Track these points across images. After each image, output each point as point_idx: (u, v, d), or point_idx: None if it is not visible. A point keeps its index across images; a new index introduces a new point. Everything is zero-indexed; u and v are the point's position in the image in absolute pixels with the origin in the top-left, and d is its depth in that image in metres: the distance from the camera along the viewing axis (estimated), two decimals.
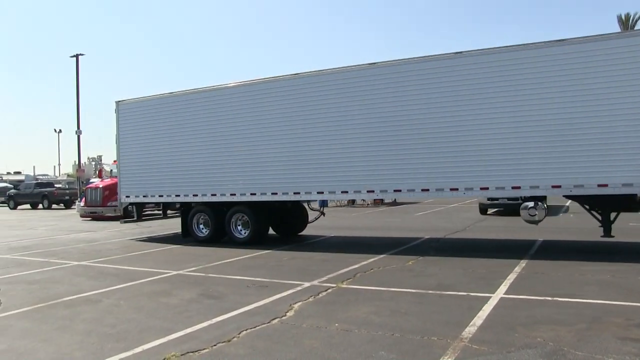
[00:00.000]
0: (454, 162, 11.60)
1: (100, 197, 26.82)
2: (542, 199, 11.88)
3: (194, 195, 15.01)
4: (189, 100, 15.12)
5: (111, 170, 29.68)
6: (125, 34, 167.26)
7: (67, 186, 47.45)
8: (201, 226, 15.29)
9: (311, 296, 7.88)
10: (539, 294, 7.56)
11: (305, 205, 16.24)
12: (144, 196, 16.25)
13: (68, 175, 67.47)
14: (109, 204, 26.24)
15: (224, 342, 5.78)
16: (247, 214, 14.37)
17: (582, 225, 12.15)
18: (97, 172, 33.40)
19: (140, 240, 16.02)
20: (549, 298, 7.33)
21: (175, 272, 10.37)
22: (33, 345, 6.01)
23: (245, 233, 14.44)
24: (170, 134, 15.41)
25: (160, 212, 18.97)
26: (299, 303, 7.46)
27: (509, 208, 20.46)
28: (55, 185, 43.63)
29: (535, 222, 11.86)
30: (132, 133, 16.35)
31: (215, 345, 5.68)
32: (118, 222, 23.05)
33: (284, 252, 12.65)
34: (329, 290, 8.27)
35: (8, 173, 57.13)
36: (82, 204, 28.58)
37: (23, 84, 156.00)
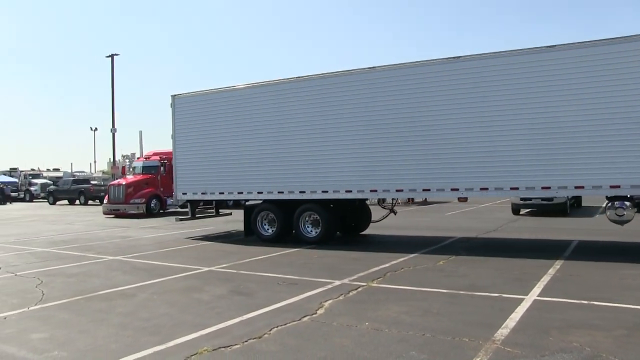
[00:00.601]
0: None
1: (123, 194, 26.56)
2: (627, 198, 11.22)
3: (258, 193, 14.56)
4: (253, 94, 14.67)
5: (134, 167, 29.75)
6: (156, 34, 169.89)
7: (102, 183, 48.42)
8: (266, 225, 14.82)
9: (341, 294, 7.89)
10: (574, 297, 7.41)
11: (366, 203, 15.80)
12: (202, 193, 15.80)
13: (103, 172, 68.82)
14: (131, 201, 26.24)
15: (255, 338, 5.84)
16: (317, 213, 13.89)
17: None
18: (121, 169, 33.25)
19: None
20: (585, 302, 7.17)
21: (207, 269, 10.50)
22: (72, 335, 6.19)
23: (315, 232, 13.97)
24: (232, 128, 14.96)
25: (213, 210, 18.47)
26: (330, 301, 7.48)
27: (542, 208, 20.17)
28: (91, 182, 44.52)
29: (623, 223, 11.32)
30: (189, 128, 15.97)
31: (246, 341, 5.74)
32: (154, 220, 23.41)
33: (313, 250, 12.68)
34: (359, 289, 8.27)
35: (47, 170, 58.42)
36: (105, 201, 28.60)
37: (61, 85, 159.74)
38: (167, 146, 27.66)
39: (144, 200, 26.36)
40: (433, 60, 12.19)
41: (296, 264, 10.90)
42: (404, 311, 6.88)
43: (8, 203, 45.57)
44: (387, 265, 10.35)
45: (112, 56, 47.34)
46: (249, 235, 15.00)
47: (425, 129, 12.17)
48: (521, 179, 11.29)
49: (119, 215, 26.22)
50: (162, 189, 27.09)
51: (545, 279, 8.69)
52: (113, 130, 46.97)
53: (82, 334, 6.26)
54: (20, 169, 56.22)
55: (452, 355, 5.22)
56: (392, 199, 14.99)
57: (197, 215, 17.29)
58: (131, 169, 30.19)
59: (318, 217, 13.90)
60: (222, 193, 15.33)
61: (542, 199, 18.75)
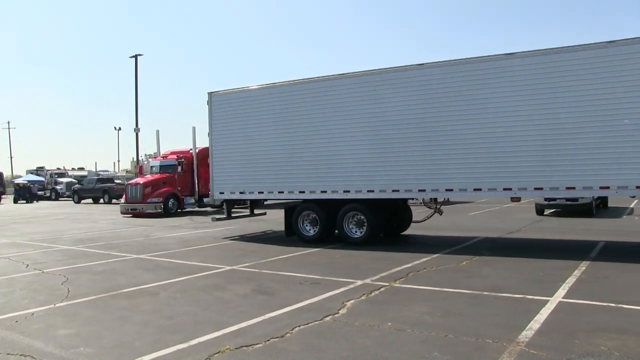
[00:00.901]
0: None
1: (140, 193, 26.21)
2: None
3: (300, 192, 14.23)
4: (295, 90, 14.30)
5: (151, 166, 29.32)
6: (178, 34, 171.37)
7: (125, 182, 49.05)
8: (307, 225, 14.41)
9: (363, 294, 7.88)
10: (601, 300, 7.27)
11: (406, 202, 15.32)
12: (240, 192, 15.45)
13: (126, 172, 69.58)
14: (148, 200, 25.88)
15: (277, 337, 5.86)
16: (362, 213, 13.48)
17: None
18: (138, 168, 32.86)
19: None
20: (613, 304, 7.03)
21: (229, 268, 10.56)
22: (98, 332, 6.29)
23: (359, 233, 13.56)
24: (272, 126, 14.62)
25: (247, 210, 18.19)
26: (352, 301, 7.47)
27: (567, 209, 19.86)
28: (115, 181, 45.08)
29: None
30: (226, 125, 15.59)
31: (268, 340, 5.76)
32: (173, 219, 23.60)
33: (335, 250, 12.68)
34: (382, 289, 8.25)
35: (73, 169, 59.31)
36: (122, 200, 28.32)
37: (86, 85, 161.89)
38: (186, 145, 27.86)
39: (161, 199, 26.02)
40: (489, 56, 11.89)
41: (318, 263, 10.90)
42: (426, 312, 6.85)
43: (35, 201, 46.42)
44: (409, 265, 10.30)
45: (135, 56, 47.99)
46: (290, 236, 14.65)
47: (477, 128, 11.82)
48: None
49: (137, 214, 25.96)
50: (179, 188, 26.90)
51: (571, 281, 8.57)
52: (136, 130, 47.57)
53: (107, 330, 6.35)
54: (47, 168, 57.17)
55: (475, 356, 5.18)
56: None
57: (232, 215, 17.06)
58: (151, 168, 29.75)
59: (363, 218, 13.53)
60: (262, 192, 15.01)
61: (567, 199, 18.44)
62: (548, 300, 7.28)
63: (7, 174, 68.32)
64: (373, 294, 7.96)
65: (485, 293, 7.85)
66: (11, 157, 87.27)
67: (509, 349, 5.33)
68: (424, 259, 10.93)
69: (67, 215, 28.32)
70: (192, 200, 26.94)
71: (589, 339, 5.59)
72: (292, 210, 14.68)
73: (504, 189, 11.59)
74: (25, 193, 46.77)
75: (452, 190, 12.23)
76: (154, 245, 14.47)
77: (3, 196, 48.20)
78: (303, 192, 14.16)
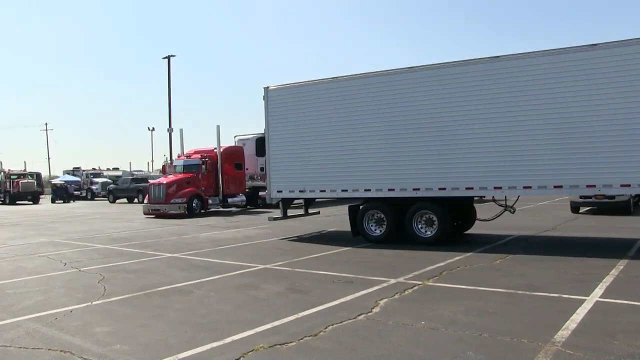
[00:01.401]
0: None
1: (163, 193, 25.43)
2: None
3: (365, 190, 13.70)
4: (359, 85, 13.82)
5: (175, 166, 28.80)
6: (209, 34, 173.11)
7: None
8: (372, 225, 13.90)
9: (397, 293, 7.85)
10: None
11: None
12: (300, 191, 14.97)
13: (160, 171, 70.60)
14: (172, 201, 25.11)
15: (311, 336, 5.87)
16: (433, 212, 12.97)
17: None
18: (162, 167, 32.49)
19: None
20: None
21: (262, 266, 10.63)
22: (133, 330, 6.40)
23: (429, 232, 13.05)
24: (334, 122, 14.11)
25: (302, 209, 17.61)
26: (385, 300, 7.45)
27: (603, 206, 19.42)
28: (149, 181, 45.80)
29: None
30: (284, 122, 15.11)
31: (302, 339, 5.79)
32: (197, 220, 23.80)
33: (368, 249, 12.65)
34: (415, 288, 8.21)
35: (108, 169, 60.44)
36: (145, 200, 27.57)
37: (120, 86, 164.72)
38: (209, 143, 27.88)
39: (185, 200, 25.23)
40: (569, 48, 11.56)
41: (352, 262, 10.90)
42: (460, 310, 6.79)
43: (71, 201, 47.43)
44: (442, 264, 10.22)
45: (168, 57, 48.62)
46: (356, 235, 14.17)
47: (557, 122, 11.43)
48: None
49: (159, 215, 25.25)
50: (203, 188, 26.42)
51: (608, 280, 8.39)
52: (170, 130, 48.17)
53: (142, 328, 6.45)
54: (83, 168, 58.36)
55: (510, 356, 5.12)
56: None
57: (288, 215, 16.53)
58: (174, 168, 29.13)
59: (432, 216, 13.02)
60: (323, 191, 14.55)
61: (604, 197, 17.98)
62: (584, 300, 7.14)
63: (44, 174, 70.06)
64: (406, 292, 7.93)
65: (520, 292, 7.74)
66: (49, 158, 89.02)
67: (544, 348, 5.25)
68: (457, 258, 10.84)
69: (102, 214, 28.86)
70: (217, 201, 26.87)
71: (630, 340, 5.46)
72: (357, 209, 14.26)
73: (588, 186, 11.32)
74: (62, 193, 47.81)
75: (530, 187, 11.73)
76: (187, 244, 14.64)
77: (41, 196, 49.34)
78: (369, 190, 13.68)
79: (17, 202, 45.85)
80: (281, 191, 15.30)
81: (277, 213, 16.36)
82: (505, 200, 13.52)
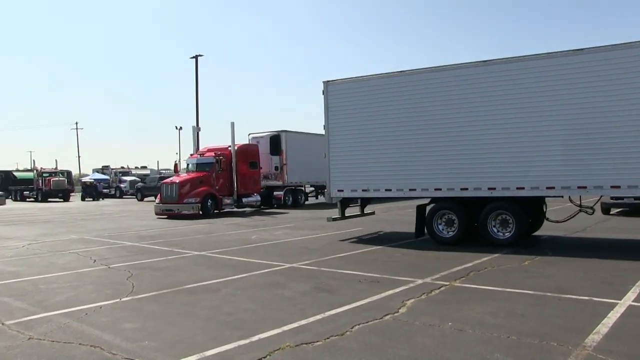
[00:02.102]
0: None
1: (176, 193, 24.32)
2: None
3: (436, 190, 13.12)
4: (427, 79, 13.27)
5: (187, 164, 27.55)
6: (237, 34, 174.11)
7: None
8: (441, 226, 13.30)
9: (424, 293, 7.79)
10: None
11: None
12: (363, 190, 14.32)
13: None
14: (185, 200, 24.05)
15: (337, 335, 5.86)
16: (510, 212, 12.38)
17: None
18: (174, 166, 30.97)
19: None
20: None
21: (288, 265, 10.65)
22: (161, 327, 6.47)
23: (506, 234, 12.45)
24: (401, 117, 13.52)
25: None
26: (412, 300, 7.41)
27: (636, 207, 18.98)
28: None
29: None
30: (346, 117, 14.49)
31: (328, 338, 5.78)
32: (220, 219, 23.92)
33: (395, 248, 12.60)
34: (442, 288, 8.14)
35: (136, 167, 61.36)
36: (157, 200, 26.21)
37: (148, 85, 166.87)
38: (223, 142, 27.28)
39: (198, 199, 24.17)
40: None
41: (378, 262, 10.86)
42: (488, 312, 6.71)
43: (100, 199, 48.23)
44: (469, 264, 10.13)
45: (196, 57, 48.91)
46: (420, 237, 13.82)
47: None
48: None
49: (172, 216, 24.22)
50: (217, 188, 25.41)
51: None
52: (197, 129, 48.51)
53: (170, 325, 6.52)
54: (112, 167, 59.31)
55: (539, 359, 5.04)
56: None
57: (346, 215, 15.94)
58: (187, 166, 28.01)
59: (508, 217, 12.44)
60: (389, 190, 13.87)
61: (635, 198, 17.51)
62: (617, 304, 6.99)
63: (75, 172, 71.29)
64: (433, 293, 7.87)
65: (549, 294, 7.62)
66: (79, 157, 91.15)
67: (575, 352, 5.16)
68: (485, 258, 10.72)
69: (130, 212, 29.27)
70: (231, 201, 26.10)
71: None
72: (425, 209, 13.79)
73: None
74: (92, 191, 48.67)
75: (619, 187, 11.18)
76: (214, 242, 14.75)
77: (71, 194, 50.26)
78: (439, 189, 13.09)
79: (49, 199, 46.80)
80: (342, 190, 14.72)
81: (335, 213, 15.82)
82: (580, 200, 12.98)
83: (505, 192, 12.24)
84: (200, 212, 23.99)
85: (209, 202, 24.76)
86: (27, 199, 49.16)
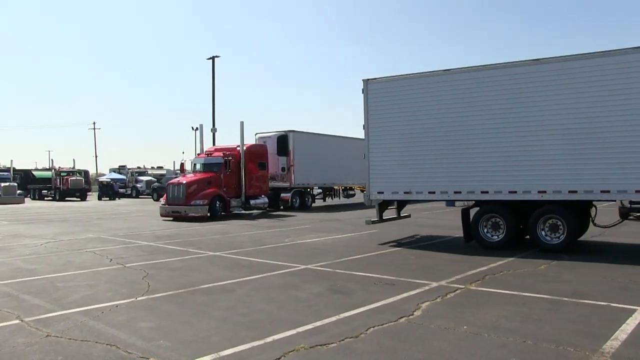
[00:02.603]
0: None
1: (183, 194, 23.30)
2: None
3: (482, 193, 12.69)
4: (473, 78, 12.89)
5: (194, 164, 26.69)
6: (254, 35, 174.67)
7: None
8: (487, 230, 12.87)
9: (439, 296, 7.76)
10: None
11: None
12: (405, 192, 13.85)
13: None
14: (192, 202, 23.04)
15: (352, 337, 5.86)
16: (561, 216, 11.91)
17: None
18: (180, 165, 29.59)
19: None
20: None
21: (303, 267, 10.66)
22: (176, 326, 6.50)
23: (554, 239, 12.01)
24: (445, 117, 13.19)
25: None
26: (427, 303, 7.38)
27: None
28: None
29: None
30: (387, 117, 14.04)
31: (342, 340, 5.77)
32: (233, 221, 23.96)
33: (411, 251, 12.56)
34: (457, 292, 8.10)
35: (152, 168, 61.81)
36: (162, 201, 25.09)
37: (165, 86, 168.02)
38: (232, 141, 26.82)
39: (206, 201, 23.29)
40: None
41: (393, 264, 10.83)
42: (504, 316, 6.67)
43: (117, 198, 48.63)
44: (485, 268, 10.06)
45: (213, 58, 49.13)
46: (469, 241, 13.34)
47: None
48: None
49: (178, 217, 23.25)
50: (225, 189, 24.46)
51: None
52: (213, 130, 48.66)
53: (185, 325, 6.55)
54: (128, 166, 59.79)
55: None
56: None
57: (384, 218, 15.38)
58: (193, 166, 27.08)
59: (558, 222, 11.97)
60: (432, 192, 13.45)
61: None
62: (636, 310, 6.89)
63: (92, 172, 72.05)
64: (448, 296, 7.83)
65: (566, 299, 7.55)
66: (96, 156, 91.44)
67: (592, 359, 5.10)
68: (500, 262, 10.65)
69: (146, 212, 29.47)
70: (239, 202, 25.23)
71: None
72: (468, 212, 13.40)
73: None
74: (109, 190, 49.10)
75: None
76: (230, 243, 14.80)
77: (88, 193, 50.74)
78: (486, 192, 12.69)
79: (66, 198, 47.27)
80: (382, 192, 14.26)
81: (374, 216, 15.27)
82: (630, 204, 12.51)
83: (557, 195, 11.83)
84: (208, 214, 23.27)
85: (217, 204, 23.95)
86: (45, 198, 49.69)
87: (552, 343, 5.56)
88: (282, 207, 29.14)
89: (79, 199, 47.53)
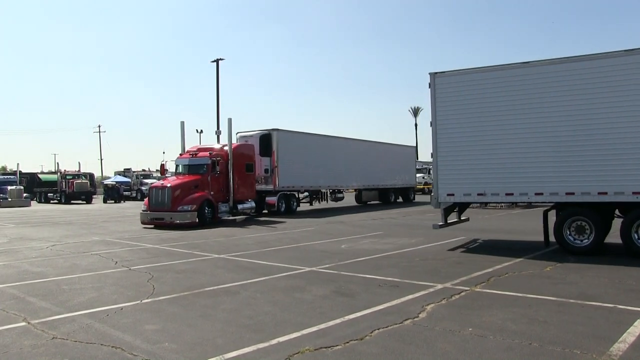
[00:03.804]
0: None
1: (169, 199, 20.82)
2: None
3: (567, 194, 11.85)
4: (558, 71, 12.03)
5: (177, 165, 24.03)
6: (259, 38, 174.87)
7: None
8: (570, 233, 12.02)
9: (444, 299, 7.74)
10: None
11: None
12: (479, 194, 12.93)
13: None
14: (179, 208, 20.55)
15: (357, 340, 5.85)
16: None
17: None
18: (160, 167, 26.55)
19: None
20: None
21: (308, 269, 10.65)
22: (181, 328, 6.51)
23: None
24: (524, 113, 12.32)
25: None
26: (432, 305, 7.36)
27: None
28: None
29: None
30: (457, 112, 13.20)
31: (347, 342, 5.77)
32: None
33: (415, 252, 12.53)
34: (462, 294, 8.08)
35: (157, 170, 62.04)
36: (143, 206, 22.34)
37: (169, 89, 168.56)
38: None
39: (194, 206, 20.83)
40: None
41: (398, 266, 10.81)
42: (510, 318, 6.64)
43: (122, 201, 48.76)
44: (490, 270, 10.03)
45: (217, 61, 49.28)
46: (549, 246, 12.75)
47: None
48: None
49: (163, 225, 20.75)
50: (212, 193, 22.04)
51: None
52: (218, 133, 48.72)
53: (190, 327, 6.55)
54: (133, 169, 59.95)
55: None
56: None
57: (448, 222, 14.34)
58: (175, 168, 24.31)
59: None
60: (510, 194, 12.60)
61: None
62: None
63: (97, 175, 72.29)
64: (453, 298, 7.81)
65: (572, 301, 7.52)
66: (101, 159, 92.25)
67: None
68: (506, 264, 10.62)
69: None
70: (227, 208, 22.89)
71: None
72: (557, 215, 12.45)
73: None
74: (114, 193, 49.25)
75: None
76: (235, 245, 14.81)
77: (94, 196, 50.92)
78: (571, 193, 11.82)
79: (72, 201, 47.43)
80: (453, 194, 13.32)
81: (439, 220, 14.08)
82: None
83: None
84: (197, 221, 20.83)
85: (207, 210, 21.51)
86: (51, 201, 49.91)
87: (559, 346, 5.53)
88: (266, 212, 27.11)
89: (84, 202, 47.68)
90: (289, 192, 28.08)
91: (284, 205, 27.37)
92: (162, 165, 26.74)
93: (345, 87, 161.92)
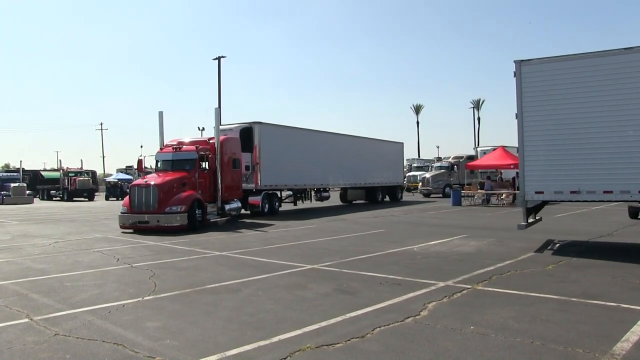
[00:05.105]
0: None
1: (154, 199, 18.10)
2: None
3: None
4: None
5: (157, 161, 21.07)
6: (262, 35, 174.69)
7: None
8: None
9: (445, 296, 7.73)
10: None
11: None
12: (572, 192, 11.90)
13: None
14: (167, 209, 17.91)
15: (358, 338, 5.84)
16: None
17: None
18: (137, 162, 23.00)
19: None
20: None
21: (310, 266, 10.64)
22: (182, 326, 6.50)
23: None
24: (627, 103, 11.29)
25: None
26: (433, 303, 7.35)
27: None
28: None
29: None
30: (546, 103, 12.14)
31: (349, 340, 5.76)
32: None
33: (417, 251, 12.51)
34: (464, 292, 8.06)
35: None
36: (123, 208, 19.04)
37: (170, 86, 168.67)
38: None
39: (184, 207, 18.16)
40: None
41: (399, 264, 10.79)
42: (512, 316, 6.62)
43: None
44: (492, 268, 10.01)
45: (219, 58, 49.30)
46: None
47: None
48: None
49: (146, 229, 18.00)
50: (200, 192, 19.42)
51: None
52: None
53: (191, 325, 6.55)
54: (135, 167, 60.02)
55: None
56: None
57: (530, 222, 13.47)
58: (156, 163, 21.33)
59: None
60: (609, 192, 11.54)
61: None
62: None
63: (99, 172, 72.41)
64: (455, 296, 7.80)
65: (574, 299, 7.49)
66: (103, 157, 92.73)
67: None
68: (508, 262, 10.60)
69: None
70: (214, 208, 20.53)
71: None
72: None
73: None
74: (116, 190, 49.37)
75: None
76: (236, 242, 14.81)
77: (96, 193, 51.00)
78: None
79: (74, 198, 47.53)
80: (542, 192, 12.33)
81: (522, 220, 13.16)
82: None
83: None
84: (187, 223, 18.23)
85: (197, 211, 18.90)
86: (54, 198, 50.04)
87: (561, 344, 5.51)
88: (250, 212, 25.07)
89: (86, 199, 47.82)
90: (271, 192, 26.18)
91: (267, 205, 25.50)
92: (140, 161, 22.65)
93: (346, 85, 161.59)
